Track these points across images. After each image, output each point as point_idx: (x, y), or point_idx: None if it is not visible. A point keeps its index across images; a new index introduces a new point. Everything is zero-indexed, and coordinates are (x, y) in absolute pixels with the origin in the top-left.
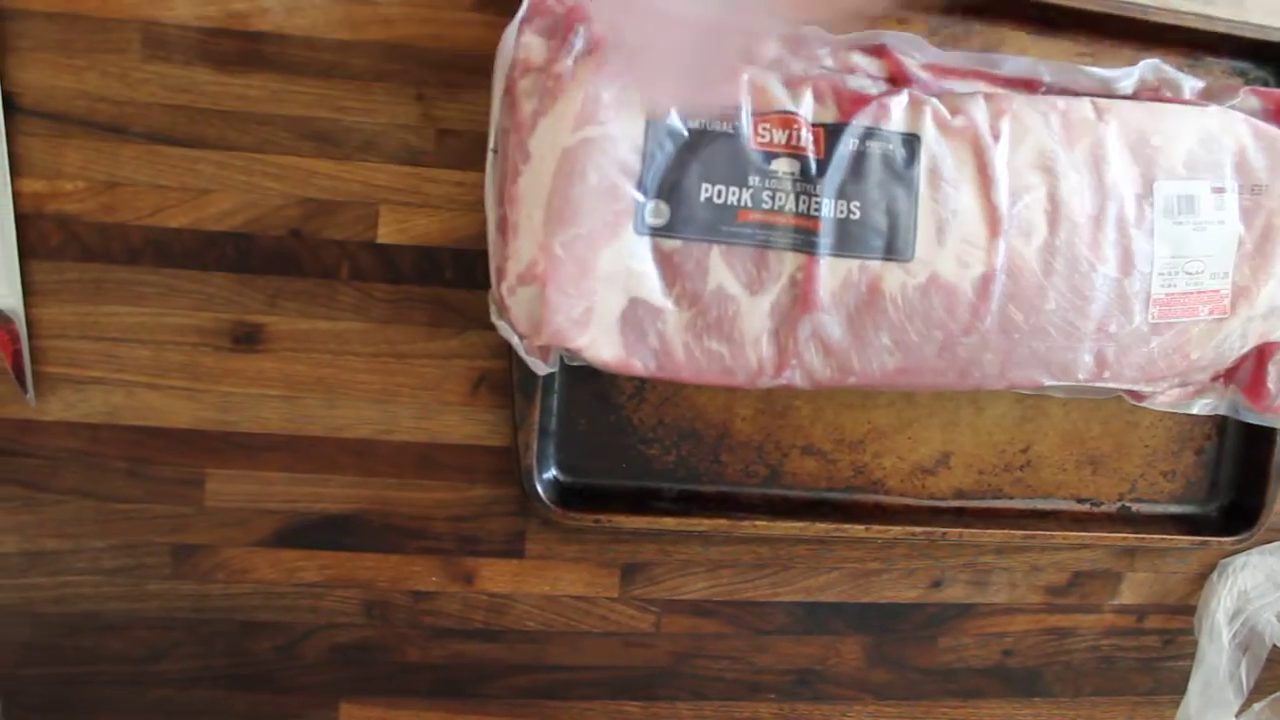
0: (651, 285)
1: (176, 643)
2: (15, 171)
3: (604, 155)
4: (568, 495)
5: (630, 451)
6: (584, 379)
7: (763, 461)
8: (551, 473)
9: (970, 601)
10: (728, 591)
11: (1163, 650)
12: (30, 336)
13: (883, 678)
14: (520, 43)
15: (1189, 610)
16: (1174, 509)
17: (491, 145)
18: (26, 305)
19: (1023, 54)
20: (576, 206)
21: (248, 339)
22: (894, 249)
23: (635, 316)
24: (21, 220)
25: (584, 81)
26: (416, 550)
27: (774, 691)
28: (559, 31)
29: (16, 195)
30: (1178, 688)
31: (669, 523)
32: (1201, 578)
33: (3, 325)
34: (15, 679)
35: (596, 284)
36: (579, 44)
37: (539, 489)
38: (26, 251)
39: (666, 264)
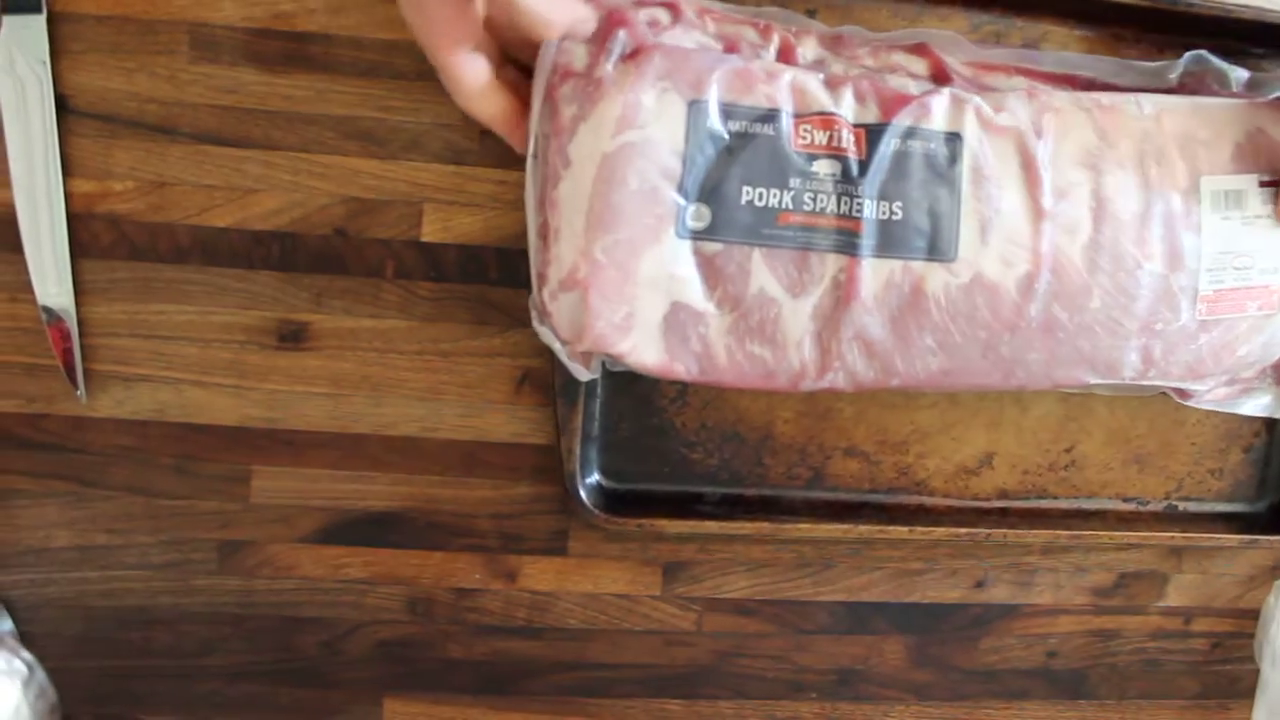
0: (693, 289)
1: (223, 637)
2: (67, 172)
3: (645, 160)
4: (611, 499)
5: (673, 455)
6: (626, 383)
7: (805, 464)
8: (595, 477)
9: (1014, 602)
10: (769, 590)
11: (1210, 654)
12: (81, 335)
13: (925, 678)
14: (561, 47)
15: (1238, 614)
16: (1222, 507)
17: (531, 151)
18: (77, 304)
19: (1064, 49)
20: (618, 211)
21: (293, 337)
22: (937, 249)
23: (677, 321)
24: (73, 220)
25: (624, 86)
26: (460, 548)
27: (816, 691)
28: (599, 36)
29: (68, 196)
30: (1226, 692)
31: (711, 526)
32: (1251, 580)
33: (54, 323)
34: (68, 670)
35: (638, 289)
36: (619, 49)
37: (582, 494)
38: (77, 251)
39: (708, 267)
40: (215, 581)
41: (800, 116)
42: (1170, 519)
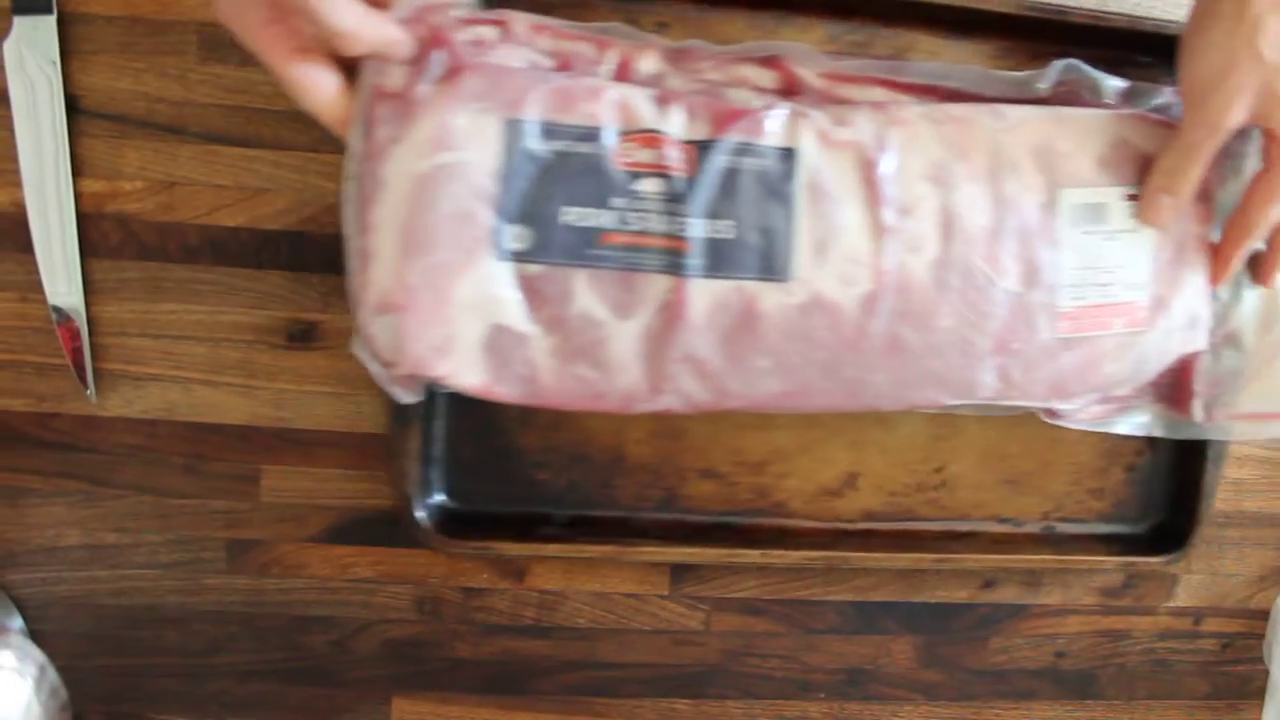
0: (515, 311)
1: (232, 636)
2: (77, 172)
3: (459, 182)
4: (455, 520)
5: (520, 476)
6: (471, 403)
7: (658, 485)
8: (438, 498)
9: (1023, 602)
10: (778, 590)
11: (1220, 655)
12: (91, 334)
13: (934, 678)
14: (379, 68)
15: (1248, 614)
16: (1103, 529)
17: (349, 172)
18: (87, 303)
19: (933, 59)
20: (431, 234)
21: (303, 336)
22: (770, 268)
23: (499, 343)
24: (82, 220)
25: (438, 107)
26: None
27: (824, 691)
28: (417, 57)
29: (78, 195)
30: (1236, 693)
31: (554, 549)
32: (1261, 580)
33: (64, 323)
34: (78, 668)
35: (456, 312)
36: (435, 69)
37: (418, 515)
38: (87, 250)
39: (530, 289)
40: (224, 580)
41: (624, 134)
42: (1047, 541)
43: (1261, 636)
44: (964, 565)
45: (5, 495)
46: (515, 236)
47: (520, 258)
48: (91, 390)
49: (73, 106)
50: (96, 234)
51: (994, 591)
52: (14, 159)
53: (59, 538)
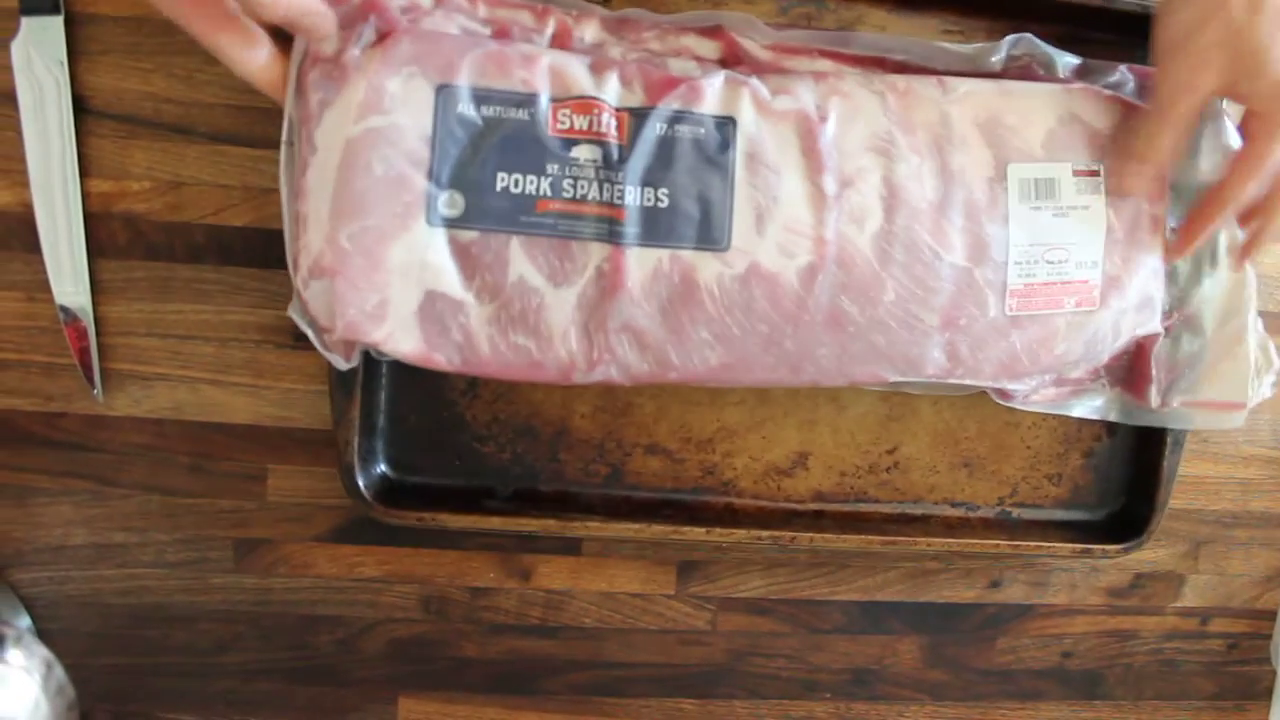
0: (449, 278)
1: (239, 635)
2: (84, 172)
3: (390, 146)
4: (396, 492)
5: (463, 448)
6: (414, 374)
7: (604, 460)
8: (380, 468)
9: (1029, 602)
10: (784, 590)
11: (1227, 655)
12: (98, 334)
13: (940, 678)
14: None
15: (1255, 614)
16: (1059, 515)
17: (285, 137)
18: (94, 303)
19: (881, 33)
20: (362, 198)
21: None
22: (708, 238)
23: (434, 310)
24: (90, 219)
25: (368, 71)
26: (474, 547)
27: (830, 690)
28: (349, 21)
29: (85, 195)
30: (1243, 693)
31: (496, 522)
32: (1268, 581)
33: (71, 323)
34: (85, 667)
35: (389, 277)
36: (368, 34)
37: (361, 485)
38: (95, 250)
39: (464, 256)
40: (231, 580)
41: (558, 101)
42: (1002, 526)
43: (1268, 637)
44: (916, 549)
45: (13, 494)
46: (448, 203)
47: (453, 224)
48: (99, 389)
49: (80, 107)
50: (104, 234)
51: (1000, 591)
52: (21, 159)
53: (66, 537)
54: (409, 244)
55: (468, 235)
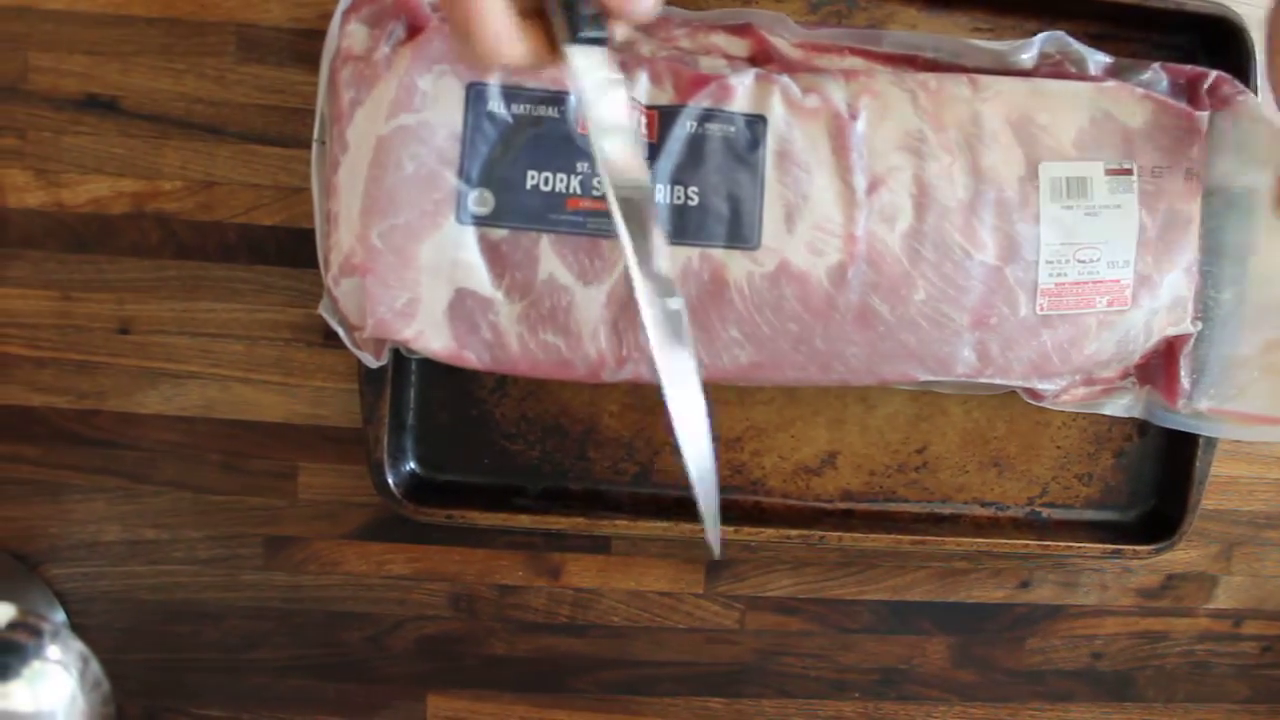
0: (479, 276)
1: (269, 632)
2: (116, 172)
3: (421, 144)
4: (425, 489)
5: (493, 446)
6: (444, 372)
7: (632, 459)
8: (409, 466)
9: (1059, 603)
10: (812, 589)
11: (1260, 658)
12: (130, 332)
13: (969, 678)
14: (344, 31)
15: None
16: (1090, 515)
17: (316, 135)
18: (126, 302)
19: (910, 30)
20: (393, 196)
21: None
22: (737, 236)
23: (464, 308)
24: (122, 219)
25: (399, 69)
26: (503, 545)
27: (859, 690)
28: (383, 20)
29: (119, 195)
30: (1276, 697)
31: (525, 520)
32: None
33: None
34: (118, 663)
35: (420, 275)
36: (399, 31)
37: (390, 483)
38: (128, 249)
39: (494, 254)
40: (262, 577)
41: None
42: (1031, 526)
43: None
44: (945, 549)
45: (48, 491)
46: (478, 200)
47: (483, 222)
48: None
49: (113, 107)
50: (136, 233)
51: (1030, 592)
52: (59, 160)
53: (100, 533)
54: (439, 242)
55: (498, 233)
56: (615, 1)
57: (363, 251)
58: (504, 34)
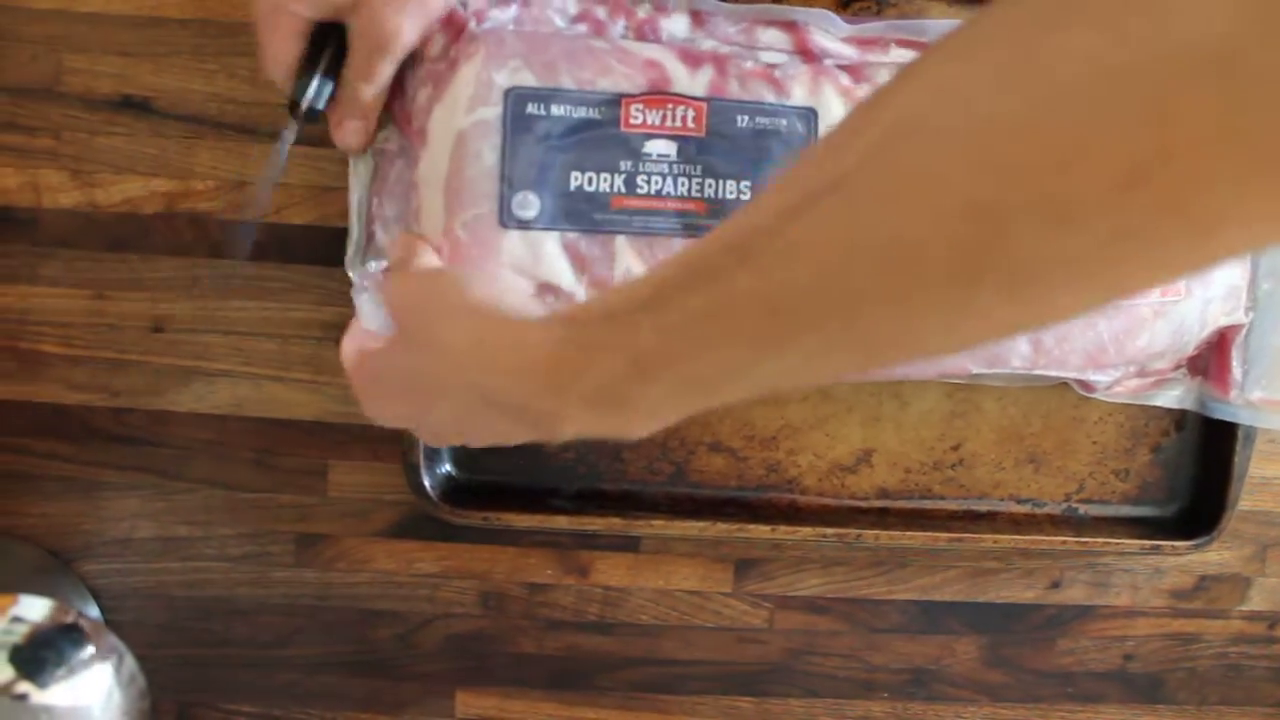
0: (561, 269)
1: (300, 629)
2: (150, 171)
3: (498, 135)
4: (461, 491)
5: (528, 448)
6: None
7: (667, 459)
8: (445, 468)
9: (1090, 603)
10: (842, 588)
11: None
12: (163, 331)
13: (999, 679)
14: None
15: None
16: (1128, 511)
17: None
18: (159, 301)
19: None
20: (474, 187)
21: None
22: None
23: (546, 303)
24: (156, 218)
25: (475, 64)
26: (532, 543)
27: (887, 690)
28: (451, 25)
29: (152, 194)
30: None
31: (561, 522)
32: None
33: None
34: (152, 659)
35: (503, 269)
36: (445, 35)
37: (426, 484)
38: (161, 248)
39: (572, 250)
40: (293, 574)
41: (630, 97)
42: (1068, 522)
43: None
44: (983, 546)
45: (81, 488)
46: (520, 203)
47: (526, 225)
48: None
49: (147, 108)
50: (169, 232)
51: (1061, 592)
52: (92, 161)
53: (133, 530)
54: (522, 234)
55: (572, 232)
56: (336, 134)
57: (449, 244)
58: (280, 60)
